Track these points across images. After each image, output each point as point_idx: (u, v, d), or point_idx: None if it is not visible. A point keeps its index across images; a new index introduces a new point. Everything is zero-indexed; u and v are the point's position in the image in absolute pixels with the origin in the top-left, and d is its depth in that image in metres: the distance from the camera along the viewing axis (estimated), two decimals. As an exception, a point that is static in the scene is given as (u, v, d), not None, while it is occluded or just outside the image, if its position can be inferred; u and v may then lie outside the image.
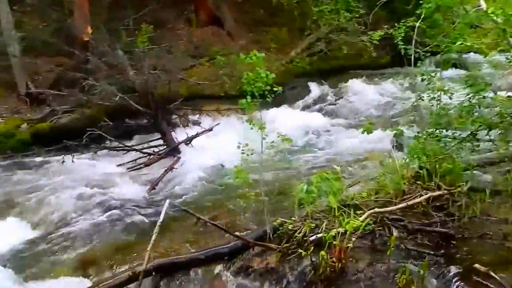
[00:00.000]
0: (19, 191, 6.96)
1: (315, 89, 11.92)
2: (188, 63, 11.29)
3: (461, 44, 5.20)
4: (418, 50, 5.60)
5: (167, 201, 4.22)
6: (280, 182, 6.36)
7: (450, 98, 5.48)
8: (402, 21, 5.85)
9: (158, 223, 4.02)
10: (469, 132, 5.28)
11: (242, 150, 4.44)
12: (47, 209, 6.31)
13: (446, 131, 5.44)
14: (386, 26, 6.51)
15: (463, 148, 5.28)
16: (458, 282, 3.54)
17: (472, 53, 9.12)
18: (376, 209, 4.43)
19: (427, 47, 5.71)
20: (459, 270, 3.66)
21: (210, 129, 8.79)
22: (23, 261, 5.10)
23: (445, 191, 4.79)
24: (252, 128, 4.30)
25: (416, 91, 5.69)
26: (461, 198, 4.69)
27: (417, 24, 5.58)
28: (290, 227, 4.28)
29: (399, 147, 6.67)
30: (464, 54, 8.52)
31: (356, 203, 4.60)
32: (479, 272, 3.55)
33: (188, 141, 8.27)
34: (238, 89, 8.53)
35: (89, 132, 8.13)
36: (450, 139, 5.42)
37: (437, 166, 5.00)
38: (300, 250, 3.97)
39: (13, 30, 9.86)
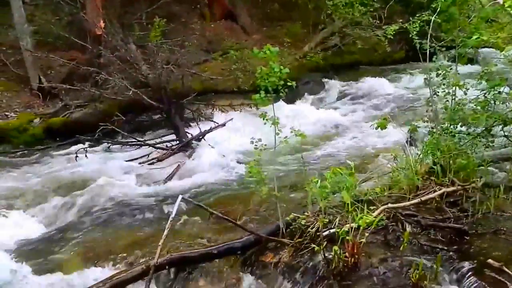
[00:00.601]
0: (32, 185, 7.03)
1: (329, 84, 11.89)
2: (201, 57, 11.32)
3: (477, 38, 5.16)
4: (433, 44, 5.56)
5: (180, 196, 4.22)
6: (293, 177, 6.36)
7: (465, 93, 5.43)
8: (417, 15, 5.81)
9: (171, 218, 4.03)
10: (484, 128, 5.24)
11: (255, 145, 4.44)
12: (60, 203, 6.36)
13: (461, 126, 5.40)
14: (401, 20, 6.46)
15: (478, 144, 5.25)
16: (471, 277, 3.53)
17: (487, 48, 9.04)
18: (390, 205, 4.41)
19: (442, 42, 5.67)
20: (473, 266, 3.65)
21: (223, 124, 8.80)
22: (35, 254, 5.13)
23: (459, 187, 4.76)
24: (265, 123, 4.30)
25: (431, 86, 5.64)
26: (475, 194, 4.67)
27: (433, 18, 5.53)
28: (303, 222, 4.28)
29: (413, 142, 6.63)
30: (480, 49, 8.44)
31: (370, 199, 4.59)
32: (493, 267, 3.54)
33: (201, 136, 8.28)
34: (251, 84, 8.56)
35: (102, 127, 8.19)
36: (465, 135, 5.38)
37: (451, 161, 4.97)
38: (313, 245, 3.97)
39: (26, 24, 9.94)
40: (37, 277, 4.60)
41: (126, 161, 7.88)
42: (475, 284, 3.48)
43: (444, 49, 5.62)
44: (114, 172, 7.35)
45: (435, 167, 5.03)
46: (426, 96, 6.26)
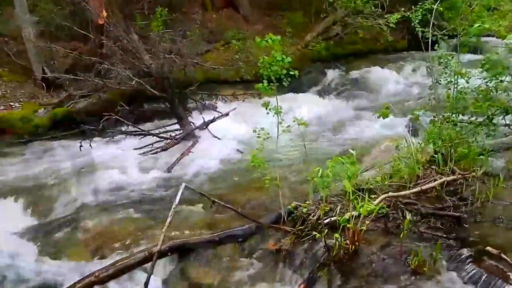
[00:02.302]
0: (37, 175, 7.08)
1: (331, 73, 11.88)
2: (204, 48, 11.31)
3: (479, 26, 5.16)
4: (435, 33, 5.56)
5: (183, 184, 4.27)
6: (295, 166, 6.39)
7: (467, 82, 5.45)
8: (420, 3, 5.80)
9: (174, 206, 4.09)
10: (486, 117, 5.26)
11: (258, 134, 4.47)
12: (65, 192, 6.43)
13: (463, 115, 5.42)
14: (403, 9, 6.43)
15: (479, 133, 5.27)
16: (470, 264, 3.57)
17: (490, 37, 9.01)
18: (390, 193, 4.45)
19: (445, 30, 5.67)
20: (471, 253, 3.70)
21: (227, 114, 8.82)
22: (41, 242, 5.20)
23: (459, 176, 4.80)
24: (268, 113, 4.33)
25: (433, 75, 5.65)
26: (475, 182, 4.70)
27: (435, 7, 5.54)
28: (304, 210, 4.33)
29: (414, 131, 6.66)
30: (482, 37, 8.43)
31: (371, 187, 4.63)
32: (491, 254, 3.59)
33: (205, 125, 8.32)
34: (254, 74, 8.57)
35: (106, 117, 8.22)
36: (466, 124, 5.41)
37: (452, 150, 5.00)
38: (314, 233, 4.02)
39: (28, 14, 9.92)
40: (42, 263, 4.68)
41: (130, 150, 7.92)
42: (474, 271, 3.53)
43: (446, 37, 5.63)
44: (118, 161, 7.40)
45: (436, 156, 5.07)
46: (428, 85, 6.27)
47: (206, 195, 4.61)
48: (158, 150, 7.77)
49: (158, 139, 8.11)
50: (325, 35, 12.55)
